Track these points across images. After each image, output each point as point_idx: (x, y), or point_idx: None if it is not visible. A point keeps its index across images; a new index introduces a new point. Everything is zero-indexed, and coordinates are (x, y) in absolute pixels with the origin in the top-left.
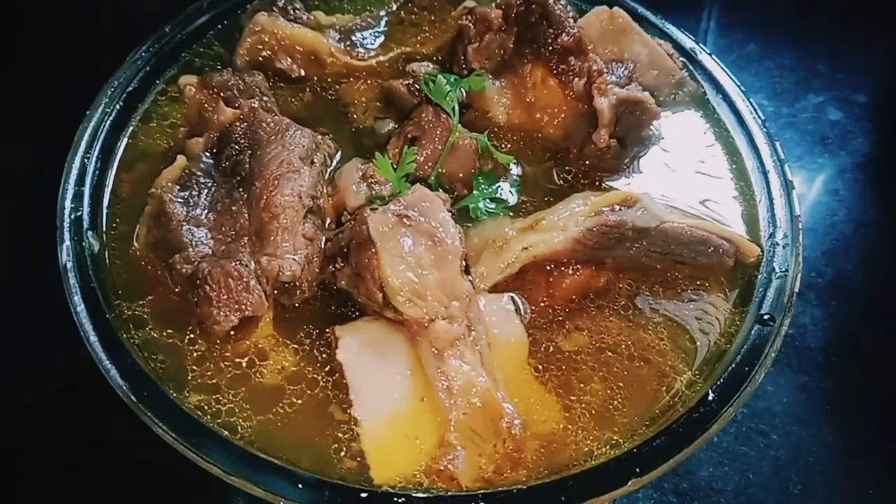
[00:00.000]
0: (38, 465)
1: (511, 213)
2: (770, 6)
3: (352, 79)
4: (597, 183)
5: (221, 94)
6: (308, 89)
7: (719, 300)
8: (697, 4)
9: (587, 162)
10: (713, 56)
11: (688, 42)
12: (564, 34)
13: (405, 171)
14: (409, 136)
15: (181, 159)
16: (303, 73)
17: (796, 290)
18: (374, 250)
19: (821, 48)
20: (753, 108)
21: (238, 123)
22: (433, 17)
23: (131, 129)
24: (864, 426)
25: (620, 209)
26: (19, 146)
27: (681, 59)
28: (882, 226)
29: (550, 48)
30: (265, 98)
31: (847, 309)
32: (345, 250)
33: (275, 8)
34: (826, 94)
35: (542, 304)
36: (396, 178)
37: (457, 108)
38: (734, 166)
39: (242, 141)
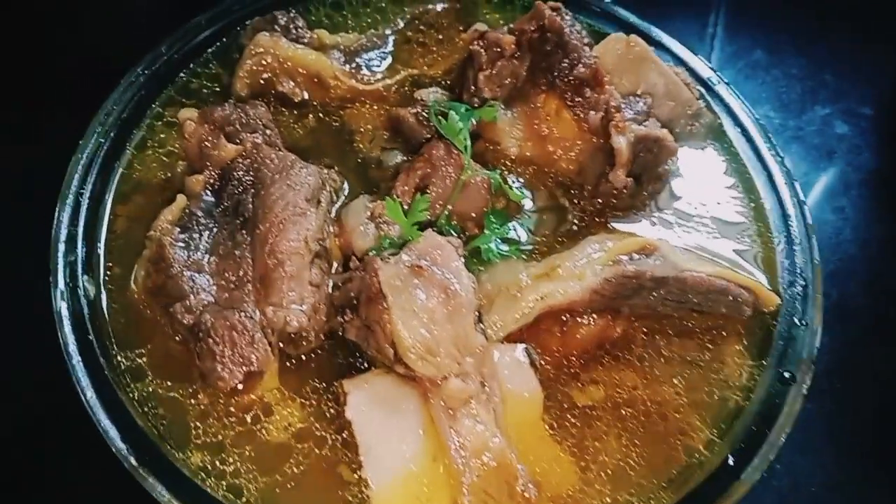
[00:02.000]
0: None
1: (524, 255)
2: (777, 10)
3: (357, 104)
4: (610, 224)
5: (223, 128)
6: (311, 115)
7: (737, 351)
8: (704, 8)
9: (601, 200)
10: (730, 86)
11: (705, 70)
12: (581, 65)
13: (417, 220)
14: (419, 173)
15: (181, 199)
16: (305, 96)
17: (817, 345)
18: (385, 305)
19: (828, 56)
20: (772, 143)
21: (240, 160)
22: (441, 36)
23: (126, 157)
24: (869, 454)
25: (639, 257)
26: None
27: (697, 87)
28: (889, 245)
29: (566, 79)
30: (268, 131)
31: (852, 331)
32: (354, 302)
33: (276, 27)
34: (833, 105)
35: (557, 355)
36: (407, 225)
37: (469, 144)
38: (752, 206)
39: (245, 179)
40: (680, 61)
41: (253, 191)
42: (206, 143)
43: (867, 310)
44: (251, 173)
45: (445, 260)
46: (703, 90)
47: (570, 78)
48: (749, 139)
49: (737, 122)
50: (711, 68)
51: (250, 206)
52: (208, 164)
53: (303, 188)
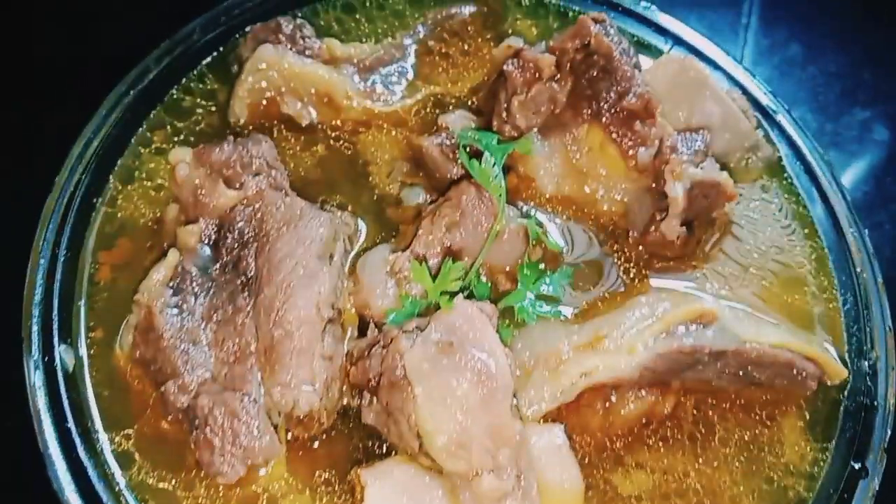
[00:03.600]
0: None
1: (564, 316)
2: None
3: (373, 128)
4: (658, 277)
5: (221, 172)
6: (321, 142)
7: (798, 430)
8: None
9: (649, 248)
10: (790, 114)
11: (763, 97)
12: (631, 94)
13: (446, 288)
14: (446, 220)
15: (173, 255)
16: (314, 117)
17: (889, 427)
18: (411, 393)
19: (866, 51)
20: (837, 181)
21: (241, 208)
22: (466, 47)
23: (109, 193)
24: None
25: (695, 328)
26: None
27: (755, 114)
28: None
29: (613, 109)
30: (273, 172)
31: None
32: (374, 384)
33: (280, 35)
34: (872, 108)
35: (598, 435)
36: (435, 292)
37: (505, 189)
38: (813, 256)
39: (247, 231)
40: (735, 83)
41: (256, 245)
42: (202, 190)
43: None
44: (254, 224)
45: (478, 334)
46: (760, 118)
47: (619, 108)
48: (812, 175)
49: (798, 154)
50: (771, 92)
51: (253, 263)
52: (204, 213)
53: (314, 243)
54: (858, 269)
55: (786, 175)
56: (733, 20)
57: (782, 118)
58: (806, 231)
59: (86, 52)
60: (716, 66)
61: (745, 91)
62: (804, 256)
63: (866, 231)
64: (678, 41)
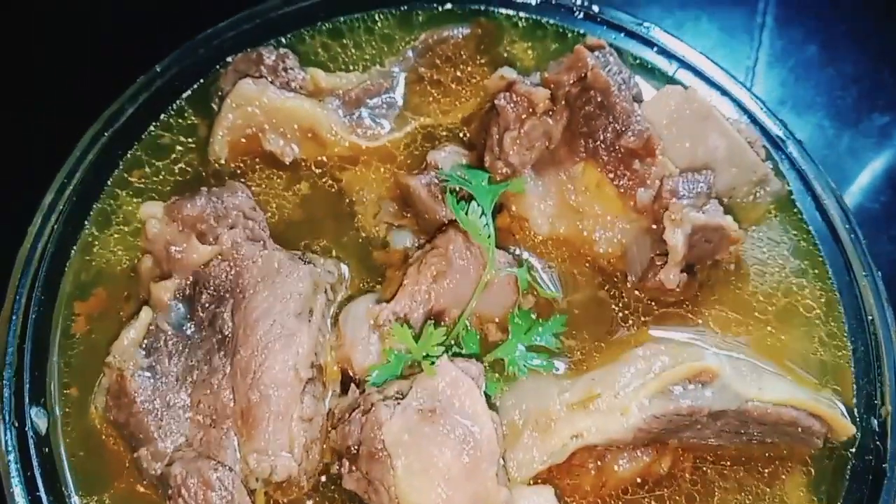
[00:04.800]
0: None
1: (557, 368)
2: None
3: (359, 164)
4: (656, 325)
5: (194, 227)
6: (304, 179)
7: (802, 490)
8: None
9: (647, 294)
10: (802, 146)
11: (773, 127)
12: (630, 132)
13: (428, 352)
14: (433, 269)
15: (145, 315)
16: (297, 153)
17: None
18: (390, 465)
19: (886, 50)
20: (850, 221)
21: (216, 263)
22: (459, 73)
23: (85, 239)
24: None
25: (693, 387)
26: None
27: (764, 145)
28: None
29: (611, 147)
30: (251, 223)
31: None
32: (353, 451)
33: (262, 67)
34: (891, 112)
35: (591, 497)
36: (418, 354)
37: (494, 237)
38: (822, 300)
39: (223, 287)
40: (743, 110)
41: (233, 301)
42: (174, 245)
43: None
44: (230, 279)
45: (463, 399)
46: (770, 148)
47: (617, 147)
48: (823, 211)
49: (808, 188)
50: (781, 122)
51: (230, 321)
52: (178, 268)
53: (292, 300)
54: (870, 317)
55: (795, 210)
56: (747, 20)
57: (792, 149)
58: (816, 272)
59: (61, 86)
60: (723, 92)
61: (753, 119)
62: (813, 300)
63: (879, 273)
64: (683, 63)
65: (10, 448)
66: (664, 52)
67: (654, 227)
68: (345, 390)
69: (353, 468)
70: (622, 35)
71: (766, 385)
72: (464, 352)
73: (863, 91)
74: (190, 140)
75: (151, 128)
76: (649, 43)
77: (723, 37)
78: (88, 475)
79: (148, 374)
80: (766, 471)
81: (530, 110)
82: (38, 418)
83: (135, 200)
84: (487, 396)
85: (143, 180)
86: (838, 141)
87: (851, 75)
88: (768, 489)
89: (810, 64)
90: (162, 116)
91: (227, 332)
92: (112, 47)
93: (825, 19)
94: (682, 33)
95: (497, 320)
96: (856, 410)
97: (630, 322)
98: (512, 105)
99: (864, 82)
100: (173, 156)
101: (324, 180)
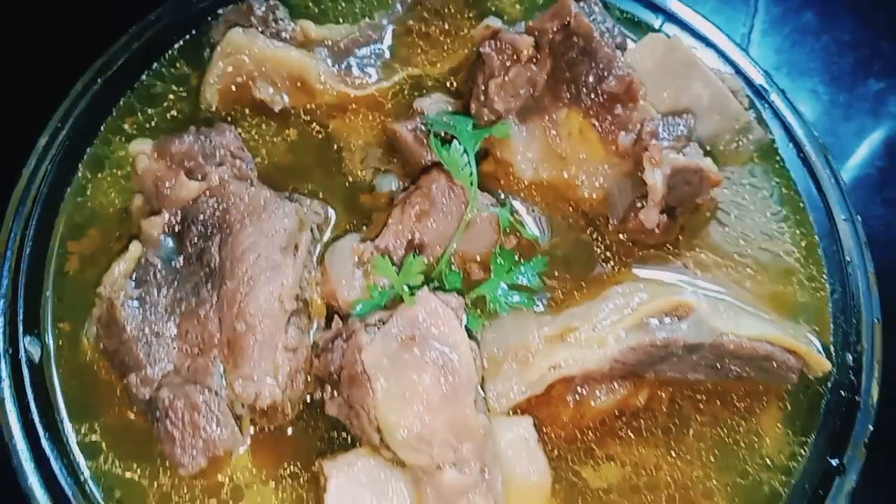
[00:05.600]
0: None
1: (537, 306)
2: None
3: (347, 112)
4: (638, 266)
5: (182, 163)
6: (293, 126)
7: (777, 423)
8: None
9: (628, 236)
10: (785, 95)
11: (757, 76)
12: (612, 77)
13: (409, 282)
14: (416, 209)
15: (135, 248)
16: (287, 102)
17: (871, 423)
18: (369, 388)
19: (886, 18)
20: (831, 166)
21: (204, 199)
22: (447, 26)
23: (78, 182)
24: None
25: (670, 321)
26: None
27: (747, 94)
28: None
29: (593, 93)
30: (238, 162)
31: None
32: (335, 377)
33: (252, 18)
34: (887, 79)
35: (569, 427)
36: (399, 285)
37: (476, 177)
38: (803, 244)
39: (211, 222)
40: (727, 60)
41: (220, 236)
42: (163, 181)
43: None
44: (217, 215)
45: (443, 329)
46: (753, 98)
47: (599, 91)
48: (805, 159)
49: (791, 137)
50: (765, 72)
51: (217, 255)
52: (167, 204)
53: (277, 235)
54: (848, 259)
55: (778, 158)
56: None
57: (776, 99)
58: (797, 218)
59: (57, 36)
60: (708, 44)
61: (737, 70)
62: (793, 244)
63: (859, 218)
64: (669, 17)
65: (4, 375)
66: (650, 4)
67: (636, 170)
68: (329, 325)
69: (335, 393)
70: None
71: (743, 322)
72: (447, 289)
73: (859, 58)
74: (181, 89)
75: (144, 77)
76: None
77: (719, 4)
78: (80, 403)
79: (137, 303)
80: (742, 405)
81: (515, 58)
82: (31, 347)
83: (127, 146)
84: (469, 331)
85: (135, 126)
86: (833, 107)
87: (848, 43)
88: (743, 422)
89: (806, 31)
90: (154, 65)
91: (214, 266)
92: None
93: None
94: None
95: (479, 259)
96: (832, 348)
97: (611, 263)
98: (497, 53)
99: (861, 50)
100: (165, 104)
101: (312, 127)
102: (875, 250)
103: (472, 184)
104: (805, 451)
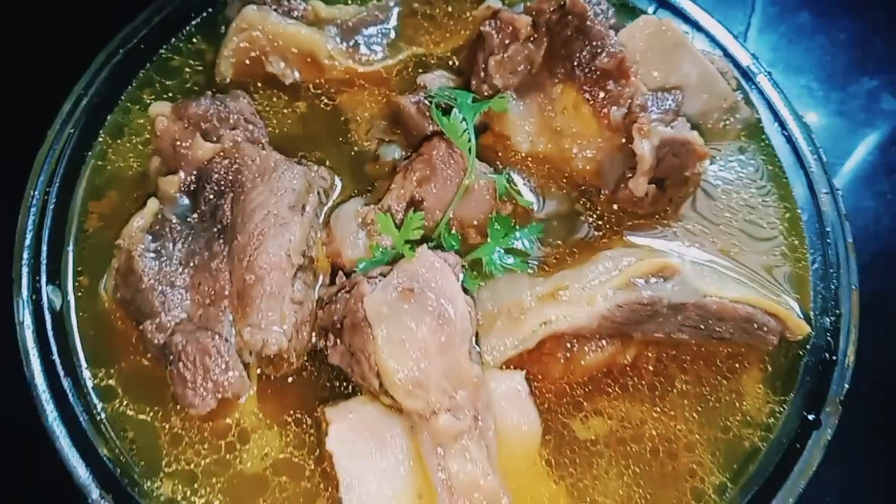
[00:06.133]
0: None
1: (531, 269)
2: None
3: (354, 87)
4: (628, 234)
5: (199, 125)
6: (303, 99)
7: (758, 383)
8: None
9: (619, 206)
10: (772, 77)
11: (745, 58)
12: (604, 54)
13: (409, 237)
14: (417, 175)
15: (152, 203)
16: (297, 77)
17: (847, 385)
18: (370, 335)
19: (881, 19)
20: (814, 144)
21: (218, 160)
22: (451, 8)
23: (99, 147)
24: None
25: (656, 281)
26: None
27: (735, 76)
28: None
29: (587, 69)
30: (251, 126)
31: (886, 336)
32: (338, 326)
33: None
34: (880, 77)
35: (559, 382)
36: (399, 241)
37: (474, 144)
38: (787, 216)
39: (224, 182)
40: (717, 44)
41: (232, 195)
42: (180, 141)
43: None
44: (230, 175)
45: (440, 282)
46: (741, 79)
47: (592, 68)
48: (789, 138)
49: (777, 117)
50: (752, 55)
51: (229, 212)
52: (183, 164)
53: (286, 194)
54: (829, 229)
55: (763, 137)
56: None
57: (763, 80)
58: (781, 192)
59: (78, 13)
60: (698, 28)
61: (725, 52)
62: (777, 217)
63: (839, 192)
64: (662, 3)
65: (27, 321)
66: None
67: (627, 144)
68: (334, 282)
69: (338, 342)
70: None
71: (726, 285)
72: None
73: (853, 57)
74: (198, 63)
75: (162, 50)
76: None
77: (717, 3)
78: (97, 351)
79: (153, 255)
80: (725, 366)
81: (513, 36)
82: (53, 295)
83: (145, 114)
84: (465, 289)
85: (153, 97)
86: (826, 103)
87: (843, 42)
88: (725, 381)
89: (802, 30)
90: (172, 40)
91: (226, 222)
92: None
93: None
94: None
95: (476, 223)
96: (812, 314)
97: (603, 232)
98: (496, 31)
99: (855, 48)
100: (182, 77)
101: (321, 100)
102: (865, 243)
103: (470, 151)
104: (784, 408)
